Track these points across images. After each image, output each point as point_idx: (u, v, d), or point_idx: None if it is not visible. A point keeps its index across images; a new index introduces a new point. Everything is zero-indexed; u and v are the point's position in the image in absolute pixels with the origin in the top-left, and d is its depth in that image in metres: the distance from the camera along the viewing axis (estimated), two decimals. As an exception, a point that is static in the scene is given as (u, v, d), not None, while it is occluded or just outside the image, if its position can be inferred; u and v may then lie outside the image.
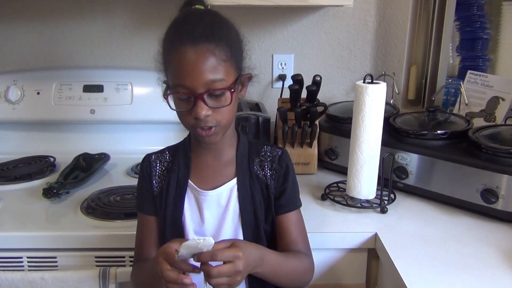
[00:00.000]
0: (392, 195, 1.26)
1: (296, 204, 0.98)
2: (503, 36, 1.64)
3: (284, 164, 0.96)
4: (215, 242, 0.78)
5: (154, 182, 0.96)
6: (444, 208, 1.23)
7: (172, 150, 0.99)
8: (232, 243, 0.82)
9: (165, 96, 0.87)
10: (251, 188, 0.94)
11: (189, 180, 0.95)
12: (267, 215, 0.95)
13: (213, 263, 0.79)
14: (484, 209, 1.15)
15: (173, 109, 0.86)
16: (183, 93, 0.83)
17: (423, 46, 1.67)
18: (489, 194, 1.12)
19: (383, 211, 1.20)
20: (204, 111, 0.82)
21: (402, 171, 1.28)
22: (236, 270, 0.79)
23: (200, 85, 0.81)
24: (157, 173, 0.97)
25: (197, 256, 0.78)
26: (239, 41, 0.90)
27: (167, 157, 0.98)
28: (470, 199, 1.17)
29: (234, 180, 0.94)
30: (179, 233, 0.93)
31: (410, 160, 1.27)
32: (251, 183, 0.94)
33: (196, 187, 0.94)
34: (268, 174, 0.95)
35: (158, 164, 0.97)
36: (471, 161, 1.15)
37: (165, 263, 0.78)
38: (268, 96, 1.73)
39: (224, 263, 0.79)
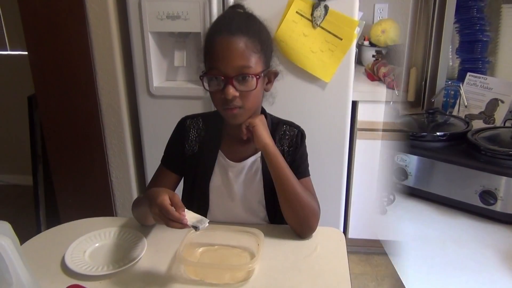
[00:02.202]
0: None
1: (303, 174, 1.09)
2: (502, 38, 1.65)
3: (298, 142, 1.10)
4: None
5: (187, 146, 1.09)
6: (443, 209, 1.23)
7: (206, 118, 1.12)
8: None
9: (201, 77, 0.99)
10: None
11: (219, 150, 1.08)
12: None
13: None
14: (483, 210, 1.15)
15: (206, 89, 1.00)
16: (217, 74, 0.96)
17: (423, 48, 1.68)
18: (488, 195, 1.13)
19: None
20: (232, 92, 0.95)
21: (401, 172, 1.29)
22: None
23: (232, 69, 0.95)
24: (190, 138, 1.10)
25: None
26: (270, 40, 1.04)
27: (201, 125, 1.11)
28: (469, 200, 1.17)
29: (259, 154, 1.08)
30: (205, 195, 1.08)
31: (410, 161, 1.27)
32: None
33: (225, 157, 1.08)
34: (286, 150, 1.09)
35: (192, 130, 1.10)
36: (470, 163, 1.16)
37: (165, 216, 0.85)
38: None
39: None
